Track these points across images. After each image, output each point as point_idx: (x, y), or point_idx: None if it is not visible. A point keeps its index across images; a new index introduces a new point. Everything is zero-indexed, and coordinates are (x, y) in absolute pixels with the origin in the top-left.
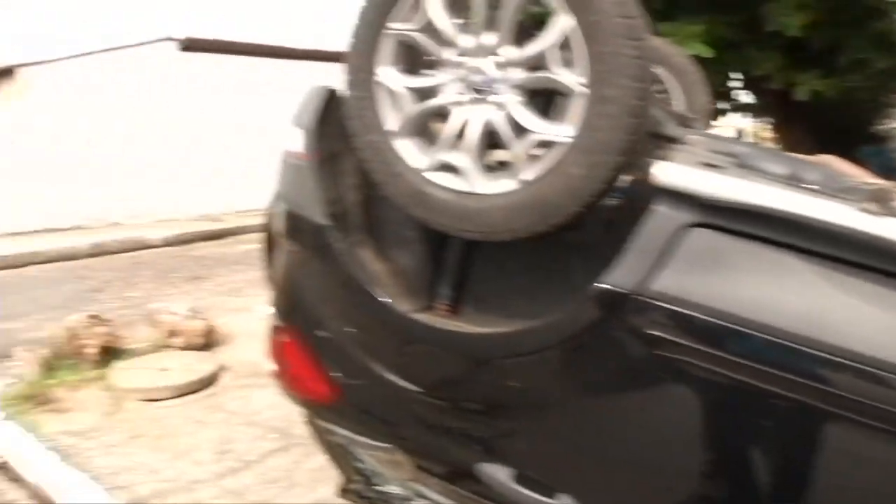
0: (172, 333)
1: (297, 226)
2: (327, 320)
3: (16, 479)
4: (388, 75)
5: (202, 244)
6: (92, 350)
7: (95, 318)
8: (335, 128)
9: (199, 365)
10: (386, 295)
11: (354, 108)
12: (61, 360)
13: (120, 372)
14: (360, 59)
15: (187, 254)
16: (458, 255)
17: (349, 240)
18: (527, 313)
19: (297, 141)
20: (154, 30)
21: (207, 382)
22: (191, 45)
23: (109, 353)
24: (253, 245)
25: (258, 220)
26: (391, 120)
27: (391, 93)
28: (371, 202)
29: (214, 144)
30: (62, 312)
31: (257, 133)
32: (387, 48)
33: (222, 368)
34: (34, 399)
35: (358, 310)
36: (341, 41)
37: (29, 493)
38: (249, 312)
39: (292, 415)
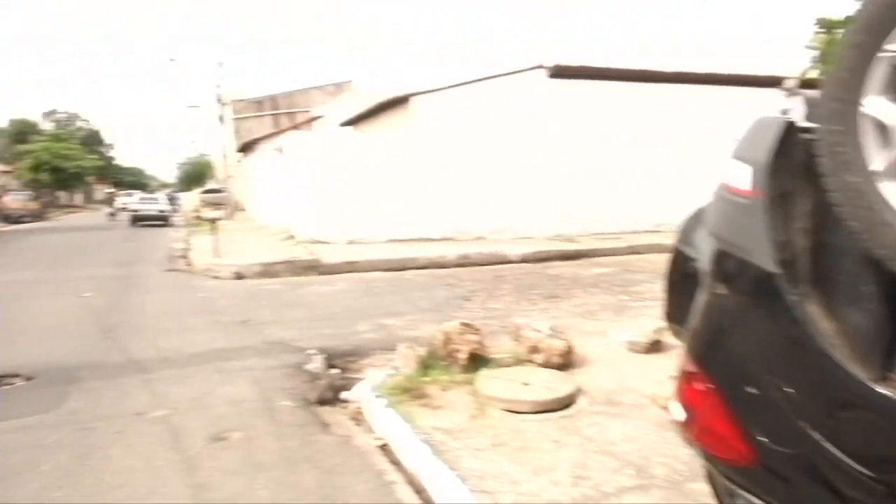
0: (534, 350)
1: (732, 268)
2: (760, 376)
3: (395, 461)
4: (878, 106)
5: (557, 263)
6: (462, 355)
7: (468, 326)
8: (790, 164)
9: (558, 384)
10: (842, 357)
11: (827, 143)
12: (435, 360)
13: (485, 380)
14: (840, 87)
15: (543, 272)
16: None
17: (798, 291)
18: None
19: (732, 175)
20: (527, 58)
21: (565, 403)
22: (560, 72)
23: (476, 360)
24: (607, 269)
25: (611, 245)
26: (878, 159)
27: (880, 126)
28: (822, 250)
29: (574, 171)
30: (434, 315)
31: (615, 159)
32: (879, 75)
33: (579, 391)
34: (410, 392)
35: (804, 370)
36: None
37: (405, 478)
38: (604, 337)
39: (651, 452)
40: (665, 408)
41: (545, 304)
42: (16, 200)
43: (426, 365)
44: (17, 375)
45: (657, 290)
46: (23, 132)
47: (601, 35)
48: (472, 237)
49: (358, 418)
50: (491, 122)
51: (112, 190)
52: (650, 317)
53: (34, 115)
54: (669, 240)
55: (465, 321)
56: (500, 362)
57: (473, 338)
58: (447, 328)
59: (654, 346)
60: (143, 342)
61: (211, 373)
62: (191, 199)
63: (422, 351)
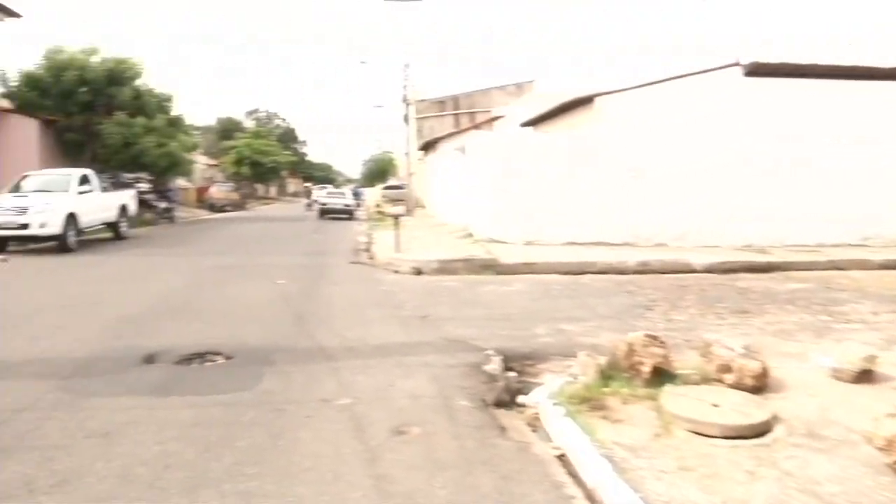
0: (724, 369)
1: None
2: None
3: (573, 474)
4: None
5: (746, 275)
6: (646, 368)
7: (653, 339)
8: None
9: (752, 409)
10: None
11: None
12: (616, 370)
13: (670, 396)
14: None
15: (731, 284)
16: None
17: None
18: None
19: None
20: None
21: (759, 431)
22: (757, 70)
23: (660, 375)
24: (804, 284)
25: (809, 258)
26: None
27: None
28: None
29: (768, 176)
30: (613, 323)
31: (816, 163)
32: None
33: (775, 418)
34: (589, 402)
35: None
36: None
37: (585, 494)
38: (804, 361)
39: (864, 498)
40: (883, 449)
41: (734, 320)
42: (220, 191)
43: (606, 375)
44: (218, 354)
45: (865, 311)
46: (228, 129)
47: (599, 34)
48: (652, 243)
49: (534, 424)
50: (679, 123)
51: (309, 184)
52: (858, 341)
53: (238, 113)
54: (882, 256)
55: (650, 333)
56: (686, 379)
57: (658, 351)
58: (630, 339)
59: (864, 376)
60: (330, 331)
61: (392, 366)
62: (373, 195)
63: (602, 360)
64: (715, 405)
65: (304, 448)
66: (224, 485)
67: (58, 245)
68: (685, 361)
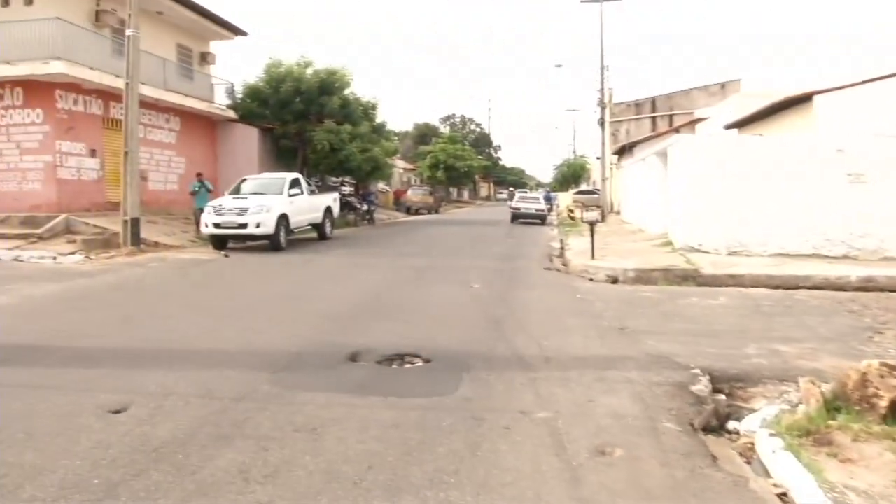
0: None
1: None
2: None
3: None
4: None
5: None
6: (883, 402)
7: (892, 368)
8: None
9: None
10: None
11: None
12: (844, 402)
13: None
14: None
15: None
16: None
17: None
18: None
19: None
20: None
21: None
22: None
23: None
24: None
25: None
26: None
27: None
28: None
29: None
30: (836, 346)
31: None
32: None
33: None
34: (813, 436)
35: None
36: None
37: None
38: None
39: None
40: None
41: None
42: (415, 194)
43: (832, 406)
44: (417, 356)
45: None
46: (424, 134)
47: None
48: (876, 257)
49: (748, 455)
50: None
51: (511, 188)
52: None
53: (434, 119)
54: None
55: (888, 362)
56: None
57: None
58: (863, 367)
59: None
60: (526, 338)
61: (592, 380)
62: (564, 200)
63: (826, 388)
64: None
65: (503, 461)
66: (425, 491)
67: (270, 244)
68: None
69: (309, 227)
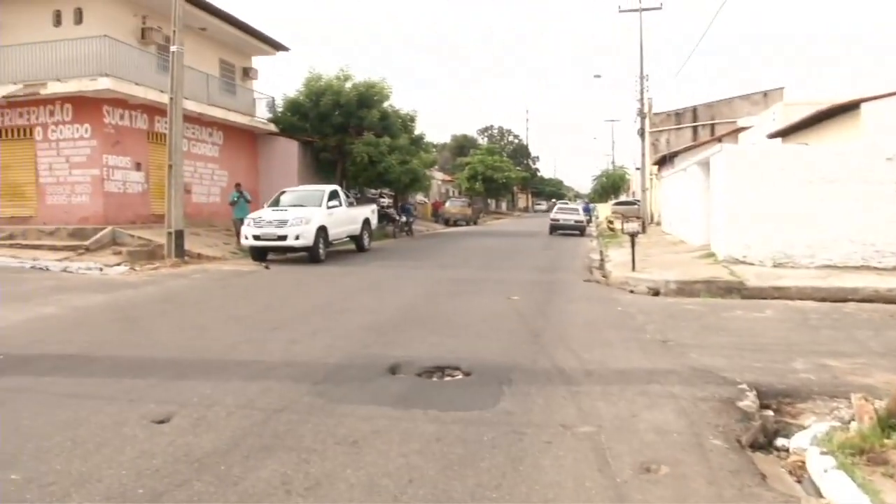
0: None
1: None
2: None
3: None
4: None
5: None
6: None
7: None
8: None
9: None
10: None
11: None
12: None
13: None
14: None
15: None
16: None
17: None
18: None
19: None
20: None
21: None
22: None
23: None
24: None
25: None
26: None
27: None
28: None
29: None
30: (889, 362)
31: None
32: None
33: None
34: (866, 455)
35: None
36: None
37: None
38: None
39: None
40: None
41: None
42: (454, 206)
43: (886, 424)
44: (457, 369)
45: None
46: (462, 146)
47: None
48: None
49: (797, 473)
50: None
51: (554, 200)
52: None
53: (472, 130)
54: None
55: None
56: None
57: None
58: None
59: None
60: (567, 351)
61: (635, 394)
62: (603, 211)
63: (880, 405)
64: None
65: (546, 477)
66: None
67: (309, 256)
68: None
69: (347, 238)
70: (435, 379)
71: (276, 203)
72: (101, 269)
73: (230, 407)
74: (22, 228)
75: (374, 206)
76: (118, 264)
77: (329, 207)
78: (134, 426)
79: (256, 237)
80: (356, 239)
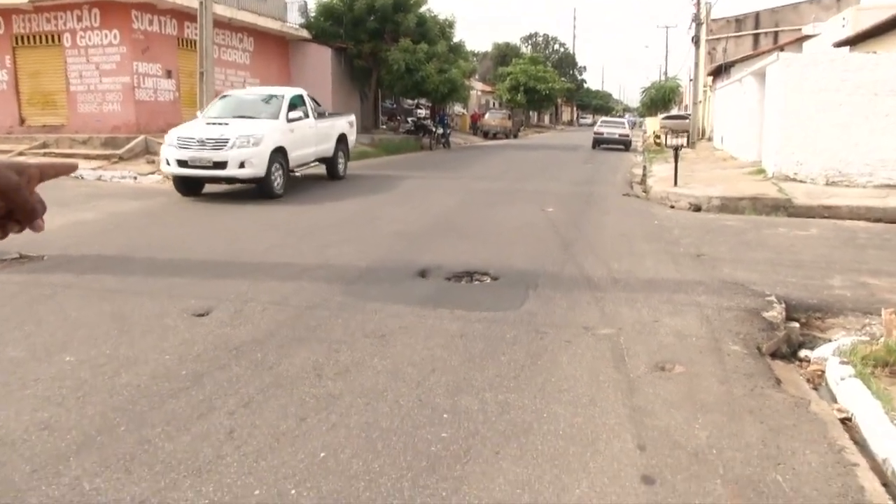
0: None
1: None
2: None
3: (858, 441)
4: None
5: None
6: None
7: None
8: None
9: None
10: None
11: None
12: None
13: None
14: None
15: None
16: None
17: None
18: None
19: None
20: None
21: None
22: None
23: None
24: None
25: None
26: None
27: None
28: None
29: None
30: None
31: None
32: None
33: None
34: (889, 367)
35: None
36: None
37: (871, 465)
38: None
39: None
40: None
41: None
42: (493, 118)
43: None
44: (486, 274)
45: None
46: (504, 55)
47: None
48: None
49: (816, 382)
50: None
51: (605, 116)
52: None
53: (515, 39)
54: None
55: None
56: None
57: None
58: None
59: None
60: (596, 261)
61: (659, 302)
62: (652, 125)
63: None
64: None
65: (562, 371)
66: (485, 393)
67: (259, 189)
68: None
69: (315, 163)
70: (463, 283)
71: (214, 113)
72: (135, 178)
73: (265, 304)
74: (55, 137)
75: (351, 117)
76: (152, 173)
77: (290, 120)
78: (175, 318)
79: (182, 163)
80: (328, 162)
